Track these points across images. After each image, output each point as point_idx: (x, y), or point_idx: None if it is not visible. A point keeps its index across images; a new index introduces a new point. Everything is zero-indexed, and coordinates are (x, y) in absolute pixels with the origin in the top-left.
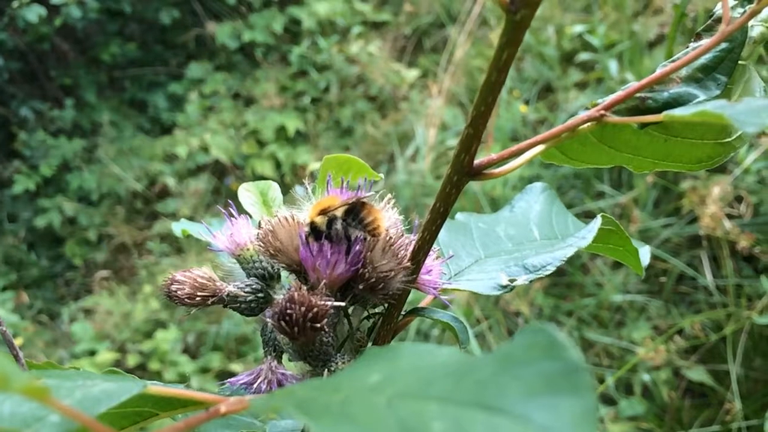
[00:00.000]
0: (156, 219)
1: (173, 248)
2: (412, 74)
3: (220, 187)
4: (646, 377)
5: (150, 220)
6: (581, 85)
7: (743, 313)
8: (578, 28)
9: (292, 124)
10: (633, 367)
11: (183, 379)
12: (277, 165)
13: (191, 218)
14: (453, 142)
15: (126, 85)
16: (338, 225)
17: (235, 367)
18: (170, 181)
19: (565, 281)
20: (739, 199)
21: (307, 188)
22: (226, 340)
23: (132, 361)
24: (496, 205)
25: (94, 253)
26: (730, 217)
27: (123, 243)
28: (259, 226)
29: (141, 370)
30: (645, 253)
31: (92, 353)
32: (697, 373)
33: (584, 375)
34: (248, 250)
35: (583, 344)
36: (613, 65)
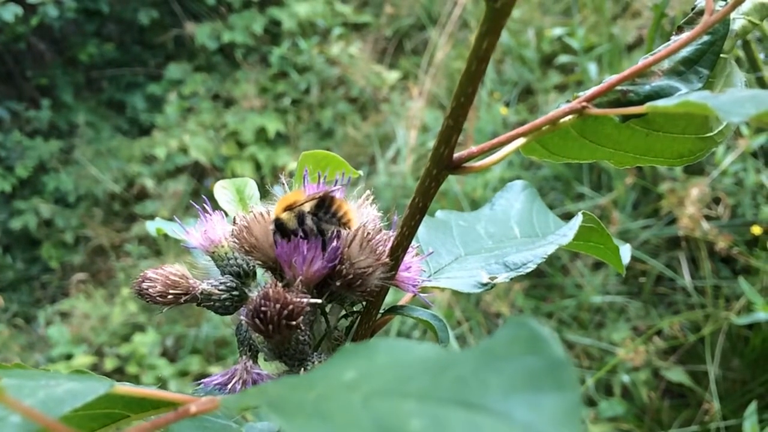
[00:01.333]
0: (134, 221)
1: (152, 250)
2: (392, 76)
3: (200, 188)
4: (625, 378)
5: (128, 222)
6: (561, 88)
7: (721, 314)
8: (558, 31)
9: (273, 125)
10: (612, 368)
11: (161, 383)
12: (257, 167)
13: (170, 220)
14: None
15: (104, 86)
16: (309, 221)
17: (214, 369)
18: (149, 183)
19: (545, 282)
20: (717, 201)
21: (284, 185)
22: (205, 343)
23: (109, 364)
24: (476, 206)
25: (71, 256)
26: (708, 218)
27: (100, 245)
28: (234, 223)
29: (119, 374)
30: (626, 252)
31: (69, 357)
32: (676, 374)
33: (568, 371)
34: (223, 247)
35: (564, 345)
36: (592, 68)
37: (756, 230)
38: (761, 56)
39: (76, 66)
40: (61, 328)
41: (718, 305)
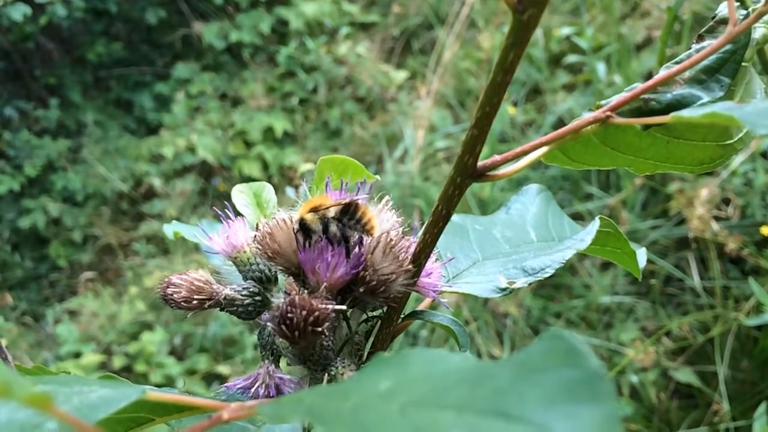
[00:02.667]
0: (142, 220)
1: (159, 249)
2: (400, 75)
3: (207, 188)
4: (634, 378)
5: (136, 221)
6: (569, 87)
7: (730, 315)
8: (566, 31)
9: (280, 125)
10: (621, 369)
11: (169, 381)
12: (265, 166)
13: (178, 219)
14: (442, 143)
15: (112, 85)
16: (333, 226)
17: (222, 368)
18: (156, 182)
19: (553, 282)
20: (726, 202)
21: (304, 189)
22: (213, 342)
23: (118, 363)
24: (484, 205)
25: (79, 254)
26: (717, 219)
27: (108, 244)
28: (257, 229)
29: (127, 372)
30: (641, 256)
31: (77, 355)
32: (685, 375)
33: (605, 383)
34: (245, 252)
35: None
36: (601, 67)
37: (765, 231)
38: None
39: (84, 65)
40: (70, 326)
41: (727, 306)
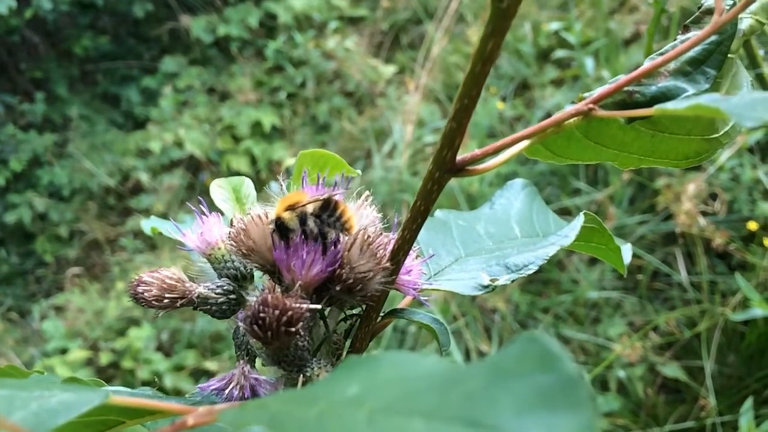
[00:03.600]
0: (129, 215)
1: (147, 245)
2: (389, 70)
3: (195, 182)
4: (621, 373)
5: (123, 216)
6: (557, 82)
7: (717, 310)
8: (554, 26)
9: (268, 119)
10: (608, 364)
11: (156, 378)
12: (253, 161)
13: (165, 214)
14: (430, 138)
15: (98, 79)
16: (311, 223)
17: (209, 364)
18: (143, 177)
19: (541, 278)
20: (713, 197)
21: (281, 185)
22: (200, 338)
23: (105, 359)
24: (473, 201)
25: (66, 250)
26: (704, 214)
27: (95, 239)
28: (231, 225)
29: (114, 368)
30: (627, 252)
31: (64, 351)
32: (672, 370)
33: (582, 389)
34: (219, 249)
35: (560, 341)
36: (589, 62)
37: (752, 226)
38: (761, 52)
39: (71, 59)
40: (56, 322)
41: (714, 301)
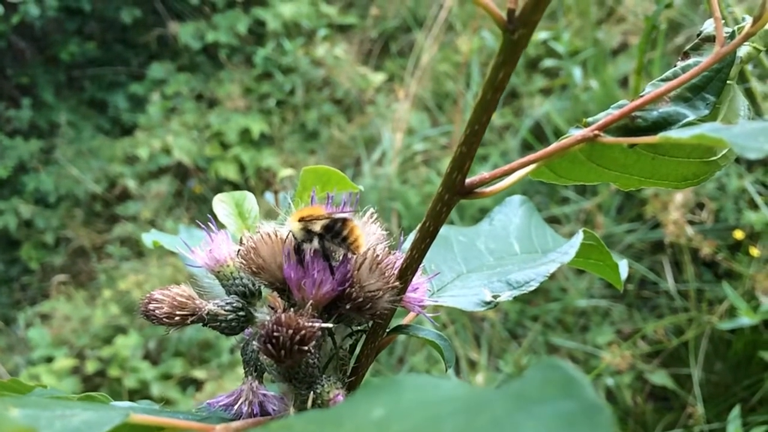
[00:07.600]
0: (116, 222)
1: (134, 252)
2: (378, 78)
3: (183, 189)
4: (609, 381)
5: (110, 223)
6: (546, 92)
7: (704, 318)
8: (543, 35)
9: (257, 126)
10: (597, 372)
11: (143, 386)
12: (242, 168)
13: (152, 221)
14: (420, 146)
15: (85, 85)
16: (315, 242)
17: (197, 373)
18: (131, 184)
19: None
20: (700, 206)
21: (289, 201)
22: (188, 346)
23: (91, 367)
24: (464, 213)
25: (52, 257)
26: (691, 223)
27: (81, 246)
28: (241, 243)
29: (100, 377)
30: (623, 267)
31: (49, 360)
32: (660, 377)
33: (603, 414)
34: (228, 266)
35: (549, 349)
36: (577, 72)
37: (738, 235)
38: (749, 67)
39: (58, 65)
40: (42, 330)
41: (701, 309)
